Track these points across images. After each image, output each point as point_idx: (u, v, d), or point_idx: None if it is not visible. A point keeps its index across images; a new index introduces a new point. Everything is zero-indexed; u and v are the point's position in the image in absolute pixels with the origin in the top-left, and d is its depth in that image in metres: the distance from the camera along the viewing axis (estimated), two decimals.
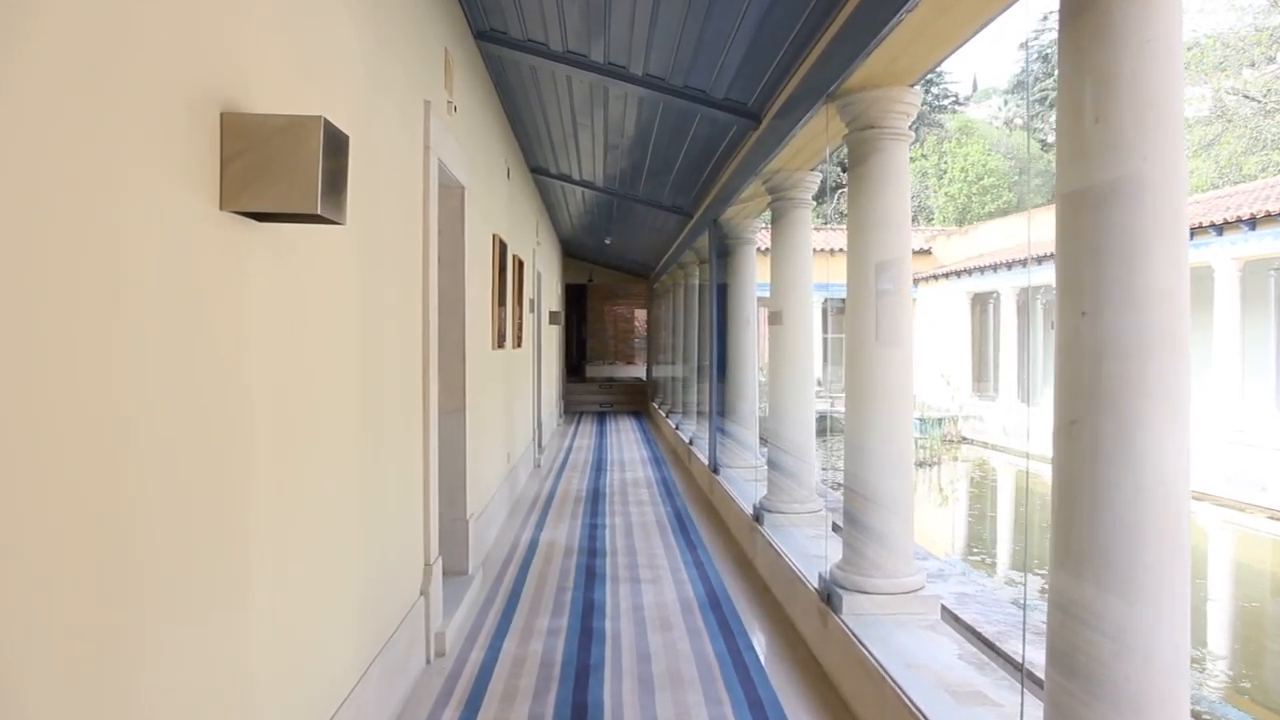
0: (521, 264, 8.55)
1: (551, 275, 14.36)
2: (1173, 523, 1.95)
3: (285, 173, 1.87)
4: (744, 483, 7.31)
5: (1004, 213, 30.90)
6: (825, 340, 20.24)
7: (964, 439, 19.22)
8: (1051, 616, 2.13)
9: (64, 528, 1.38)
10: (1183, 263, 1.97)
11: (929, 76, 3.95)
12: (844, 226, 4.44)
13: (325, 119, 1.87)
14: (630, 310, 22.34)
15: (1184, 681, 1.96)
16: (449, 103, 4.71)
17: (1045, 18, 30.01)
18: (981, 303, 21.05)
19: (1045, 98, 36.32)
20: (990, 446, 18.06)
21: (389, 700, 3.35)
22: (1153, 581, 1.95)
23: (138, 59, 1.57)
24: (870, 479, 3.88)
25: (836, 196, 24.61)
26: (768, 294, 6.18)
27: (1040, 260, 17.06)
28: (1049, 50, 34.44)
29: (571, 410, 19.16)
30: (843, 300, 4.08)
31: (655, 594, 5.15)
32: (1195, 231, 12.65)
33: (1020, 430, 17.01)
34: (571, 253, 18.62)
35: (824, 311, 19.49)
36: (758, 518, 5.83)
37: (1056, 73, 2.15)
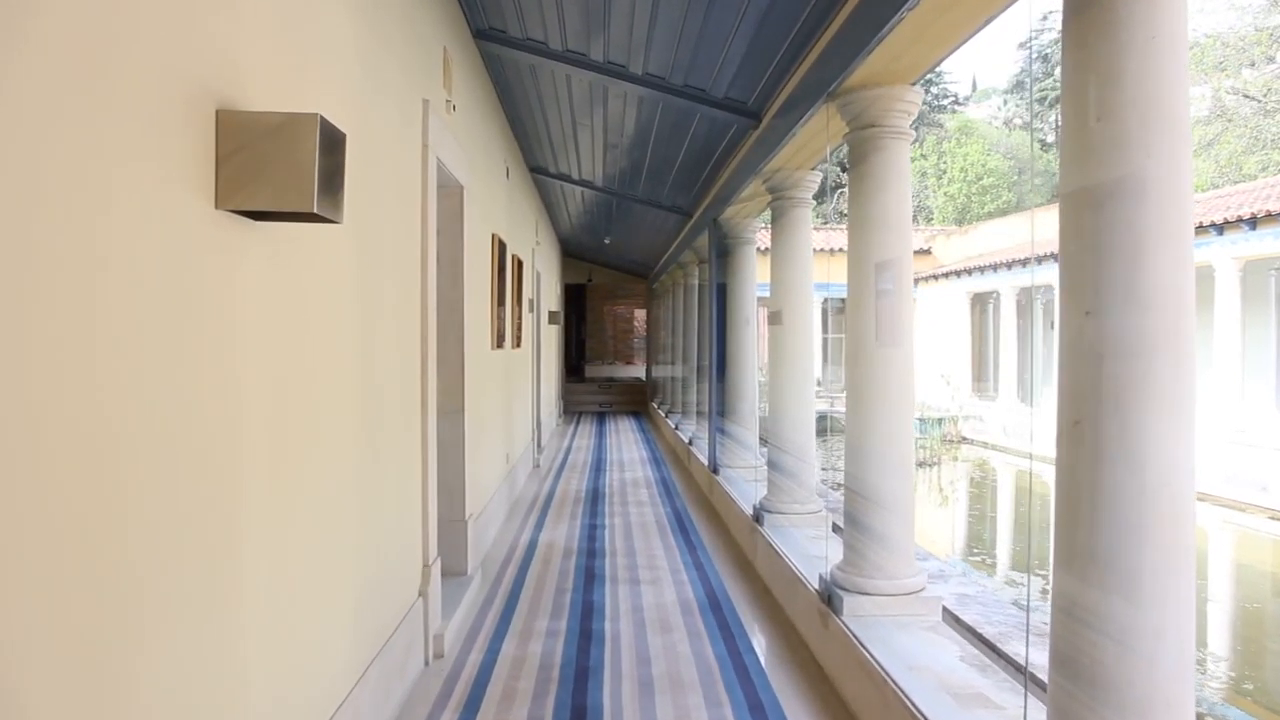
0: (521, 264, 8.53)
1: (551, 275, 14.34)
2: (1177, 524, 1.94)
3: (281, 171, 1.85)
4: (744, 483, 7.29)
5: (1003, 213, 30.89)
6: (825, 340, 20.23)
7: (964, 439, 19.20)
8: (1055, 619, 2.11)
9: (57, 528, 1.36)
10: (1188, 262, 1.95)
11: (929, 76, 3.92)
12: (844, 226, 4.42)
13: (321, 116, 1.85)
14: (629, 310, 22.32)
15: (1189, 685, 1.94)
16: (448, 102, 4.69)
17: (1045, 17, 30.00)
18: (981, 302, 21.04)
19: (1045, 98, 36.31)
20: (990, 446, 18.05)
21: (387, 702, 3.34)
22: (1157, 584, 1.93)
23: (132, 56, 1.56)
24: (871, 479, 3.87)
25: (836, 196, 24.61)
26: (768, 294, 6.16)
27: (1041, 260, 17.06)
28: (1048, 50, 34.44)
29: (571, 410, 19.15)
30: (842, 300, 4.07)
31: (655, 595, 5.13)
32: (1196, 231, 12.60)
33: (1020, 430, 16.99)
34: (571, 252, 18.60)
35: (824, 311, 19.49)
36: (758, 518, 5.81)
37: (1059, 70, 2.13)
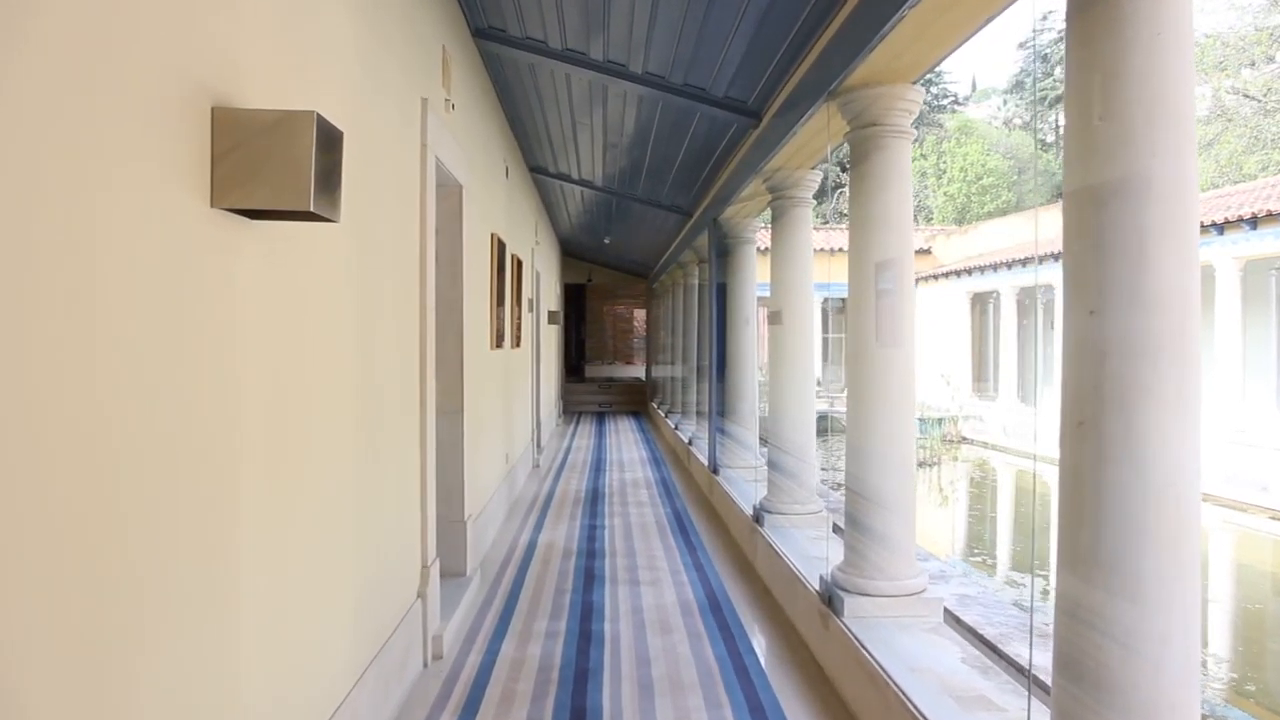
0: (520, 263, 8.51)
1: (550, 275, 14.33)
2: (1183, 526, 1.92)
3: (277, 169, 1.83)
4: (744, 483, 7.27)
5: (1003, 212, 30.88)
6: (825, 340, 20.22)
7: (964, 439, 19.19)
8: (1058, 621, 2.09)
9: (57, 528, 1.36)
10: (1193, 261, 1.93)
11: (929, 76, 3.91)
12: (844, 226, 4.41)
13: (318, 114, 1.83)
14: (629, 310, 22.31)
15: (1195, 688, 1.92)
16: (447, 100, 4.67)
17: (1045, 17, 29.98)
18: (981, 302, 21.03)
19: (1044, 97, 36.27)
20: (990, 446, 18.03)
21: (386, 704, 3.32)
22: (1163, 586, 1.91)
23: (127, 53, 1.54)
24: (872, 480, 3.85)
25: (836, 196, 24.59)
26: (768, 294, 6.14)
27: (1042, 260, 17.04)
28: (1048, 50, 34.42)
29: (570, 410, 19.13)
30: (842, 300, 4.05)
31: (655, 596, 5.11)
32: None
33: (1020, 430, 16.98)
34: (570, 252, 18.58)
35: (824, 311, 19.46)
36: (758, 519, 5.79)
37: (1064, 67, 2.11)
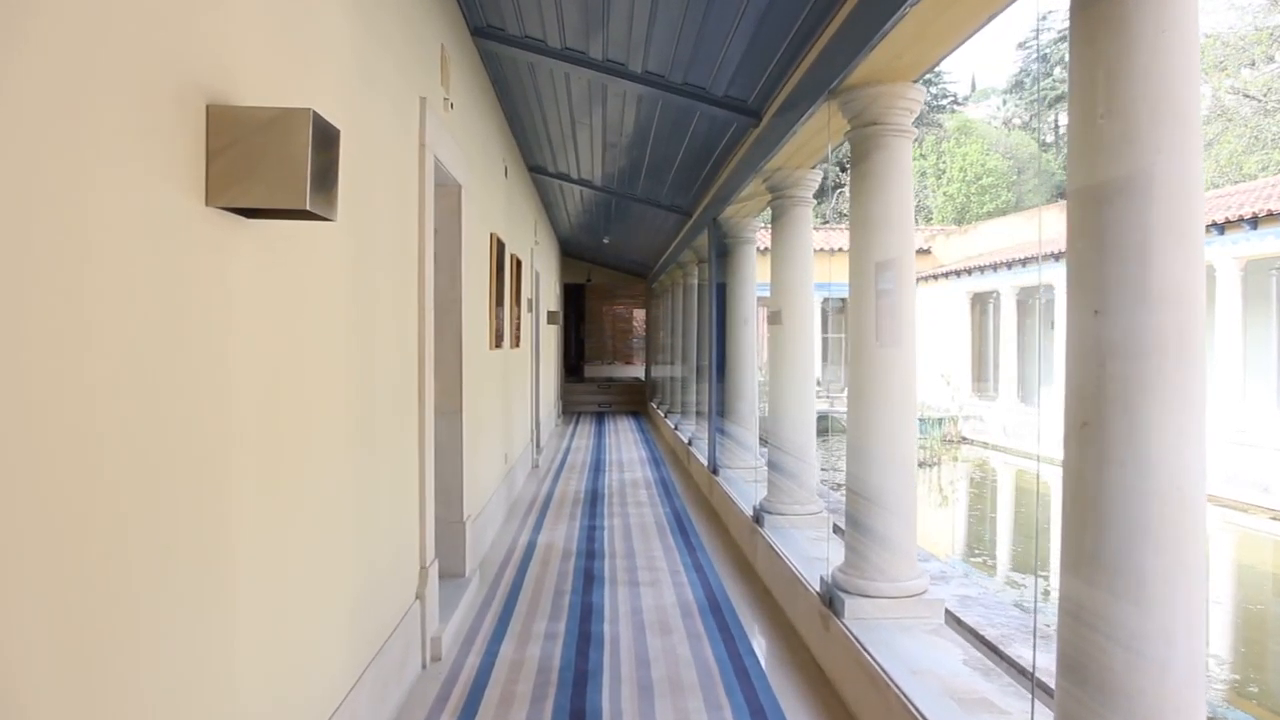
0: (519, 263, 8.49)
1: (550, 275, 14.31)
2: (1188, 527, 1.90)
3: (273, 167, 1.81)
4: (744, 484, 7.25)
5: (1002, 212, 30.88)
6: (825, 340, 20.21)
7: (964, 439, 19.17)
8: (1062, 623, 2.07)
9: (56, 528, 1.36)
10: (1198, 259, 1.91)
11: (928, 75, 3.89)
12: (843, 226, 4.39)
13: (314, 112, 1.81)
14: (629, 310, 22.29)
15: (1200, 691, 1.90)
16: (445, 99, 4.65)
17: (1044, 17, 30.00)
18: (981, 302, 21.02)
19: (1044, 97, 36.28)
20: (990, 447, 18.02)
21: (384, 706, 3.30)
22: (1167, 588, 1.89)
23: (121, 50, 1.52)
24: (873, 480, 3.83)
25: (836, 196, 24.59)
26: (768, 294, 6.12)
27: (1043, 260, 17.03)
28: (1047, 50, 34.43)
29: (570, 410, 19.11)
30: (842, 300, 4.04)
31: (654, 597, 5.10)
32: None
33: (1020, 430, 16.96)
34: (570, 252, 18.56)
35: (823, 311, 19.45)
36: (758, 519, 5.77)
37: (1067, 65, 2.09)
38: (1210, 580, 8.97)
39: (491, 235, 6.47)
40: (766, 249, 6.66)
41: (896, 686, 3.03)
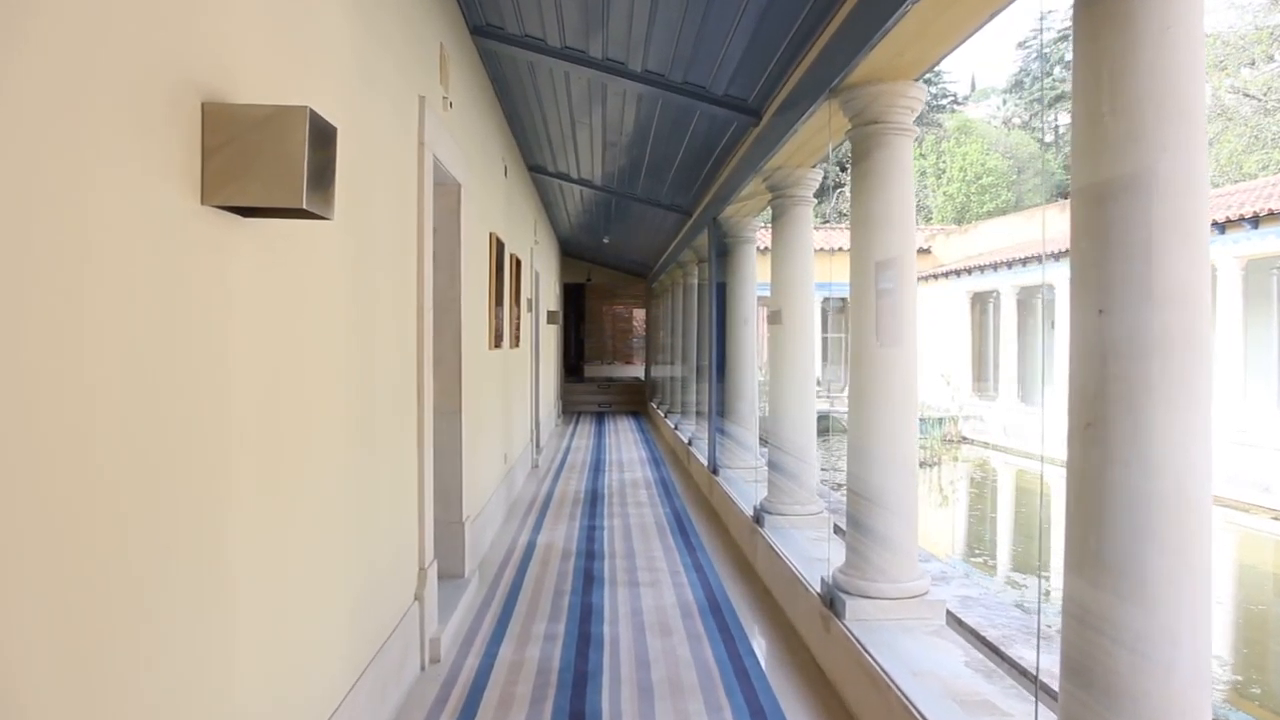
0: (519, 263, 8.47)
1: (549, 274, 14.29)
2: (1193, 529, 1.88)
3: (269, 165, 1.79)
4: (744, 484, 7.23)
5: (1002, 212, 30.86)
6: (825, 340, 20.20)
7: (964, 439, 19.16)
8: (1066, 626, 2.05)
9: (56, 529, 1.35)
10: (1204, 258, 1.89)
11: (928, 75, 3.87)
12: (843, 226, 4.38)
13: (311, 109, 1.79)
14: (629, 310, 22.28)
15: (1206, 694, 1.88)
16: (444, 98, 4.63)
17: (1043, 16, 30.00)
18: (981, 302, 21.00)
19: (1043, 97, 36.28)
20: (990, 446, 18.00)
21: (383, 707, 3.28)
22: (1173, 589, 1.87)
23: (115, 47, 1.50)
24: (874, 481, 3.81)
25: (836, 195, 24.57)
26: (768, 293, 6.10)
27: (1043, 259, 17.02)
28: (1047, 49, 34.43)
29: (570, 410, 19.09)
30: (842, 300, 4.03)
31: (654, 598, 5.08)
32: None
33: (1020, 430, 16.95)
34: (569, 252, 18.54)
35: (823, 311, 19.43)
36: (758, 519, 5.75)
37: (1071, 62, 2.07)
38: (1211, 581, 8.94)
39: (491, 234, 6.45)
40: (766, 248, 6.64)
41: (898, 688, 3.01)
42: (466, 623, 4.56)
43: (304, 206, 1.78)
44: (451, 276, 4.89)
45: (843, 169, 22.21)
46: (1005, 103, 43.90)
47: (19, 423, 1.28)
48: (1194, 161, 1.88)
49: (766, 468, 6.09)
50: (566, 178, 9.80)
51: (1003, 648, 4.39)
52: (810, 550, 4.94)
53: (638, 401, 19.78)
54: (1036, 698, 2.56)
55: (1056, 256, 13.97)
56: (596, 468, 10.67)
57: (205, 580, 1.86)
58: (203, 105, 1.79)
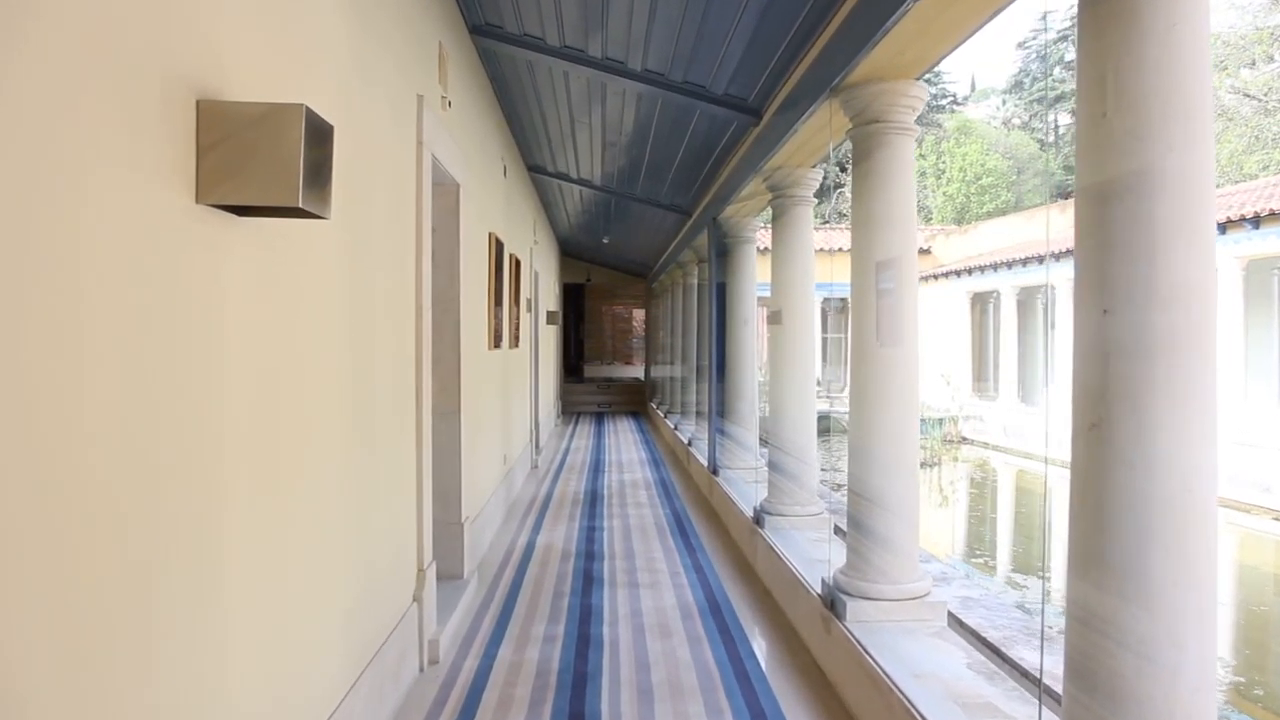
0: (519, 263, 8.45)
1: (549, 275, 14.27)
2: (1200, 531, 1.86)
3: (265, 164, 1.77)
4: (744, 484, 7.21)
5: (1002, 212, 30.85)
6: (825, 340, 20.18)
7: (964, 439, 19.14)
8: (1070, 629, 2.03)
9: (56, 529, 1.35)
10: (1209, 258, 1.87)
11: (928, 75, 3.86)
12: (843, 226, 4.36)
13: (307, 107, 1.77)
14: (628, 310, 22.25)
15: (1212, 698, 1.86)
16: (443, 97, 4.61)
17: (1043, 16, 30.02)
18: (981, 302, 20.98)
19: (1043, 97, 36.28)
20: (990, 447, 17.98)
21: (381, 709, 3.26)
22: (1179, 592, 1.85)
23: (108, 43, 1.48)
24: (875, 482, 3.79)
25: (836, 196, 24.55)
26: (768, 294, 6.08)
27: (1043, 259, 17.00)
28: (1047, 50, 34.42)
29: (569, 411, 19.07)
30: (842, 300, 4.01)
31: (654, 599, 5.06)
32: None
33: (1020, 430, 16.93)
34: (569, 252, 18.52)
35: (823, 311, 19.41)
36: (758, 520, 5.73)
37: (1075, 60, 2.05)
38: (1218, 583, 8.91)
39: (490, 234, 6.43)
40: (766, 249, 6.62)
41: (899, 690, 2.99)
42: (465, 624, 4.54)
43: (300, 205, 1.76)
44: (450, 276, 4.87)
45: (843, 169, 22.19)
46: (1005, 103, 43.89)
47: (19, 423, 1.27)
48: (1200, 160, 1.86)
49: (766, 468, 6.07)
50: (566, 178, 9.77)
51: (1004, 649, 4.36)
52: (811, 551, 4.92)
53: (637, 402, 19.76)
54: (1040, 701, 2.54)
55: (1057, 256, 13.94)
56: (596, 468, 10.65)
57: (204, 580, 1.85)
58: (197, 103, 1.77)
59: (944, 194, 35.22)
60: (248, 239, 2.05)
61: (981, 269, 19.61)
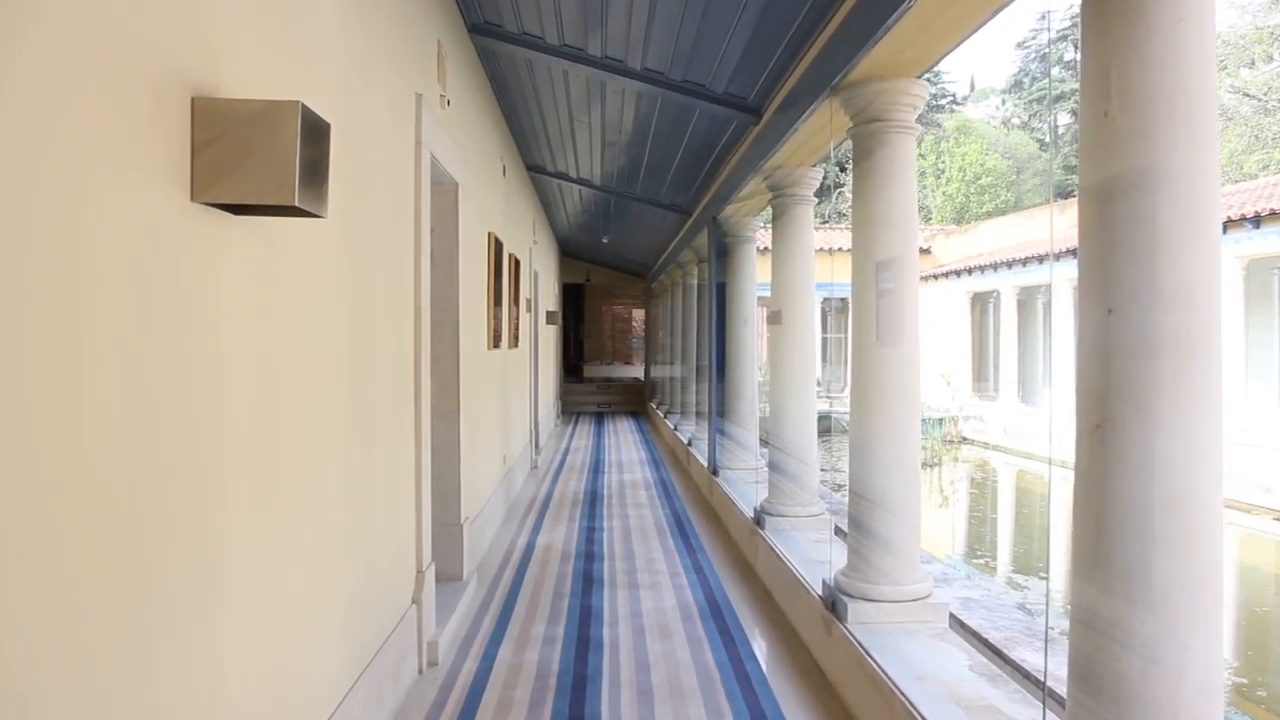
0: (518, 263, 8.44)
1: (548, 274, 14.25)
2: (1205, 532, 1.84)
3: (261, 162, 1.75)
4: (744, 485, 7.20)
5: (1002, 212, 30.84)
6: (825, 340, 20.17)
7: (964, 439, 19.12)
8: (1074, 631, 2.02)
9: (57, 529, 1.35)
10: (1215, 256, 1.86)
11: (927, 75, 3.84)
12: (843, 226, 4.34)
13: (303, 105, 1.75)
14: (628, 310, 22.24)
15: (1218, 701, 1.85)
16: (442, 96, 4.59)
17: (1043, 16, 30.02)
18: (981, 302, 20.96)
19: (1042, 97, 36.27)
20: (990, 447, 17.97)
21: (380, 711, 3.24)
22: (1184, 595, 1.83)
23: (102, 40, 1.47)
24: (876, 483, 3.77)
25: (836, 195, 24.54)
26: (768, 293, 6.07)
27: (1043, 259, 16.99)
28: (1046, 50, 34.42)
29: (569, 411, 19.05)
30: (842, 300, 3.99)
31: (654, 600, 5.04)
32: None
33: (1020, 430, 16.91)
34: (569, 252, 18.51)
35: (823, 311, 19.40)
36: (758, 521, 5.72)
37: (1079, 58, 2.03)
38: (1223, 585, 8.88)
39: (490, 234, 6.41)
40: (766, 248, 6.60)
41: (901, 692, 2.97)
42: (465, 625, 4.53)
43: (296, 204, 1.74)
44: (449, 276, 4.85)
45: (843, 169, 22.18)
46: (1004, 103, 43.85)
47: (18, 423, 1.26)
48: (1205, 159, 1.84)
49: (767, 468, 6.06)
50: (565, 177, 9.76)
51: (1006, 650, 4.35)
52: (811, 552, 4.91)
53: (637, 402, 19.74)
54: (1044, 704, 2.52)
55: (1057, 256, 13.92)
56: (596, 468, 10.64)
57: (203, 580, 1.84)
58: (193, 100, 1.75)
59: (943, 194, 35.21)
60: (245, 238, 2.03)
61: (981, 269, 19.59)
